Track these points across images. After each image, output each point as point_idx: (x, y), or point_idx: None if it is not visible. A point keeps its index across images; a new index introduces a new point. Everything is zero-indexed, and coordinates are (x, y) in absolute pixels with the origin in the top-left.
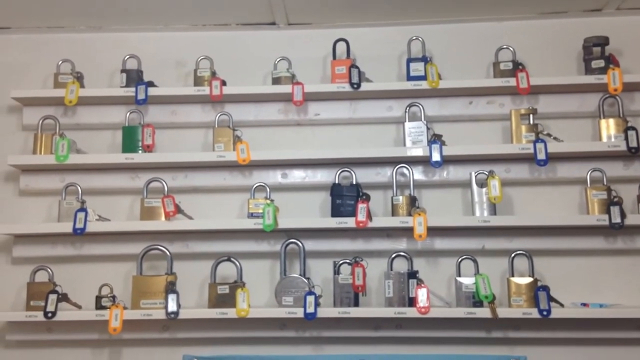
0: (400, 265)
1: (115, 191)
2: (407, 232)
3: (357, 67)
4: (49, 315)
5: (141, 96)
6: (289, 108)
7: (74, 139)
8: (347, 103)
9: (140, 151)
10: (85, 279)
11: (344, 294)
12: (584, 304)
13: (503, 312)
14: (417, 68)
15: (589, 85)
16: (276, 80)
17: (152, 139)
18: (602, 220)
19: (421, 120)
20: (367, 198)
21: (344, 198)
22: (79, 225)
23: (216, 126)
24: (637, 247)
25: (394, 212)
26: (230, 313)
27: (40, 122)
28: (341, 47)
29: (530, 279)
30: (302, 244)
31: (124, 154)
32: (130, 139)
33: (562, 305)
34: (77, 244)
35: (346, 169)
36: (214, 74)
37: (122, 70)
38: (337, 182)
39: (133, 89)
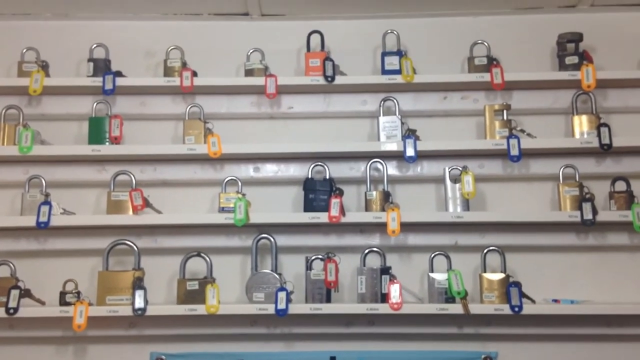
0: (373, 261)
1: (81, 184)
2: (381, 227)
3: (331, 60)
4: (11, 311)
5: (109, 86)
6: (261, 101)
7: (39, 130)
8: (321, 96)
9: (107, 143)
10: (49, 275)
11: (316, 290)
12: (555, 300)
13: (475, 308)
14: (392, 62)
15: (562, 81)
16: (249, 72)
17: (120, 131)
18: (574, 216)
19: (395, 114)
20: (341, 193)
21: (317, 193)
22: (43, 218)
23: (187, 118)
24: (608, 243)
25: (368, 208)
26: (200, 309)
27: (3, 112)
28: (315, 39)
29: (502, 275)
30: (274, 239)
31: (90, 146)
32: (97, 130)
33: (533, 301)
34: (40, 238)
35: (319, 163)
36: (184, 64)
37: (89, 60)
38: (310, 176)
39: (100, 79)
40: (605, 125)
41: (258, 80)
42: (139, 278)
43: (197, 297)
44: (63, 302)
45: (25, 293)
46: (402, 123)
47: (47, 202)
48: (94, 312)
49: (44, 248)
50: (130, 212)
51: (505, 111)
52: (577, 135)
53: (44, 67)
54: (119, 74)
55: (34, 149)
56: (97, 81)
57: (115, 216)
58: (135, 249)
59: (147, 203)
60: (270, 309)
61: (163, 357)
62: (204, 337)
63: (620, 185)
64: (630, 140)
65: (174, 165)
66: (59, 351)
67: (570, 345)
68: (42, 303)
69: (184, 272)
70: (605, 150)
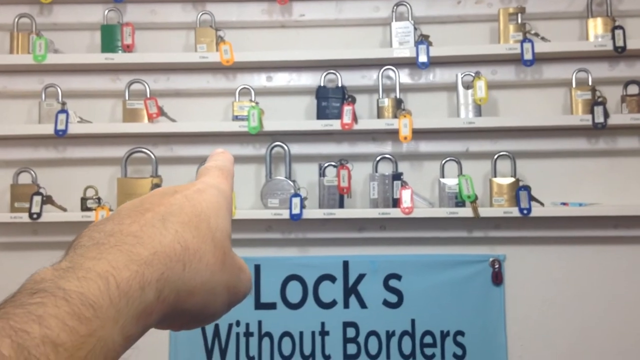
0: (385, 168)
1: (96, 93)
2: (392, 135)
3: None
4: (34, 216)
5: None
6: (273, 8)
7: (52, 40)
8: (332, 3)
9: (120, 51)
10: (69, 183)
11: (330, 196)
12: (564, 203)
13: (484, 212)
14: None
15: None
16: None
17: (132, 39)
18: (586, 120)
19: (408, 20)
20: (353, 100)
21: (330, 100)
22: (61, 126)
23: (198, 26)
24: (618, 147)
25: (380, 115)
26: None
27: (16, 20)
28: None
29: (512, 179)
30: (287, 147)
31: (103, 54)
32: (109, 39)
33: (542, 204)
34: (59, 147)
35: (332, 71)
36: None
37: None
38: (322, 84)
39: None
40: (620, 27)
41: None
42: (157, 185)
43: None
44: (84, 208)
45: (47, 199)
46: (415, 29)
47: (64, 111)
48: None
49: (63, 157)
50: (146, 120)
51: (519, 14)
52: (592, 39)
53: None
54: None
55: (48, 58)
56: None
57: (131, 124)
58: (153, 156)
59: (161, 112)
60: (284, 214)
61: None
62: None
63: (633, 89)
64: None
65: (186, 75)
66: None
67: (576, 248)
68: (64, 209)
69: None
70: (619, 52)
